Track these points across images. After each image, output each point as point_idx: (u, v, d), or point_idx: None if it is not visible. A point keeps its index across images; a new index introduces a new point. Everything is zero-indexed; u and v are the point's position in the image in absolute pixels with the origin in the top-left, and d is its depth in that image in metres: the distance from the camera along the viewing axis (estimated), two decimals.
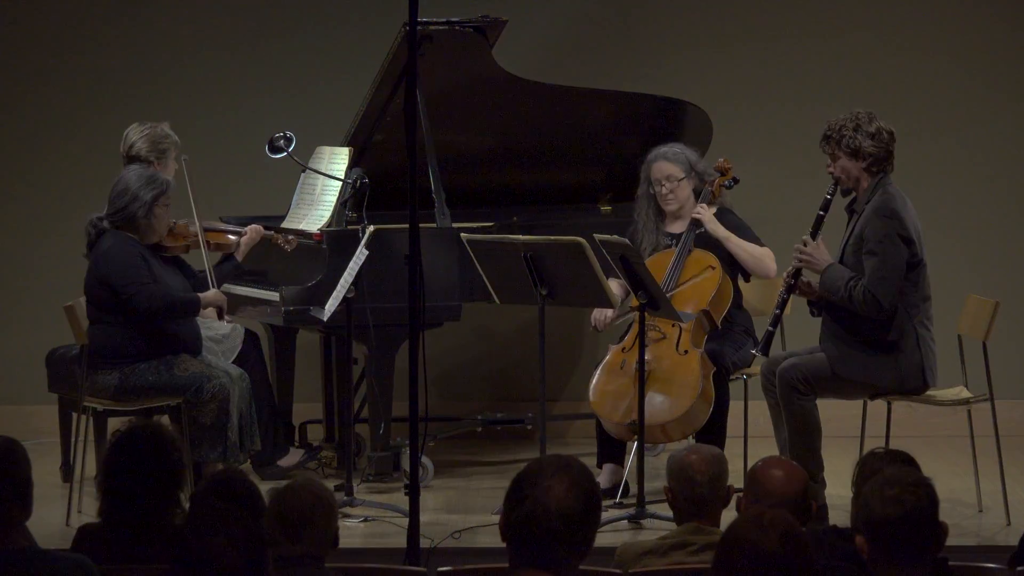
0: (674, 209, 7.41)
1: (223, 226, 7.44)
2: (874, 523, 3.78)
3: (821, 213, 6.74)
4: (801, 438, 6.69)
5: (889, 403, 6.89)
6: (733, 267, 7.32)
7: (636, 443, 6.78)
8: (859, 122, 6.65)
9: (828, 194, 6.74)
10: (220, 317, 7.20)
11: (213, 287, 7.15)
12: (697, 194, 7.40)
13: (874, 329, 6.64)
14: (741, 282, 7.39)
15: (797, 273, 6.74)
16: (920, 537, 3.80)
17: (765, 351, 6.77)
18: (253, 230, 7.35)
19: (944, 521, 3.86)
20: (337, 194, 7.47)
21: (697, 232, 7.31)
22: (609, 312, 7.32)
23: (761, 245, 7.31)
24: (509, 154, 8.12)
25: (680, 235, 7.36)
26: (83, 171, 8.59)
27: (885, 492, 3.81)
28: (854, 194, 6.75)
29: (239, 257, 7.31)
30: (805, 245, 6.71)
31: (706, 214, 7.29)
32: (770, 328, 6.75)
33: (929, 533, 3.81)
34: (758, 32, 8.79)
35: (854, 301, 6.58)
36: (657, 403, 6.93)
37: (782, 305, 6.76)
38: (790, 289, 6.75)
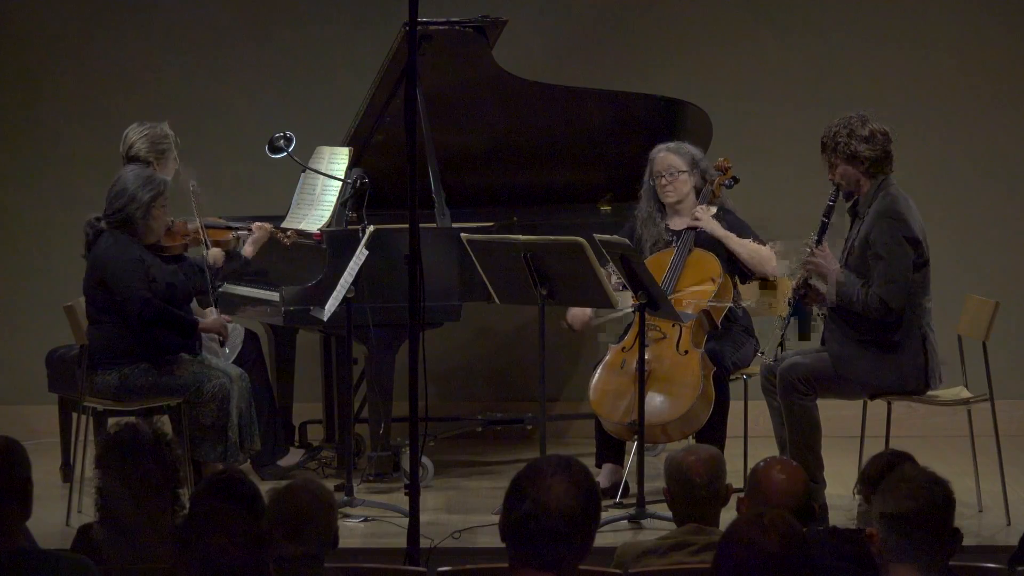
0: (672, 201, 7.39)
1: (222, 223, 7.44)
2: (887, 516, 3.79)
3: (825, 220, 6.73)
4: (801, 438, 6.69)
5: (889, 403, 6.89)
6: (732, 266, 7.32)
7: (636, 443, 6.78)
8: (852, 127, 6.65)
9: (830, 200, 6.73)
10: (222, 345, 7.21)
11: (210, 289, 7.12)
12: (698, 192, 7.40)
13: (880, 330, 6.64)
14: (739, 282, 7.39)
15: (806, 284, 6.73)
16: (931, 536, 3.79)
17: (776, 359, 6.79)
18: (261, 228, 7.34)
19: (959, 527, 3.85)
20: (337, 194, 7.47)
21: (697, 231, 7.31)
22: (588, 310, 7.34)
23: (762, 244, 7.30)
24: (509, 154, 8.12)
25: (681, 232, 7.36)
26: (83, 171, 8.59)
27: (901, 487, 3.81)
28: (856, 196, 6.75)
29: (247, 255, 7.30)
30: (811, 252, 6.70)
31: (704, 215, 7.29)
32: (781, 334, 6.76)
33: (941, 533, 3.81)
34: (758, 32, 8.79)
35: (867, 305, 6.58)
36: (657, 403, 6.93)
37: (792, 315, 6.76)
38: (799, 300, 6.74)
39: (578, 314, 7.42)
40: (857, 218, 6.75)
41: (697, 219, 7.28)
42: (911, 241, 6.62)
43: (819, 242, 6.71)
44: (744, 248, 7.27)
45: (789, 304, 6.80)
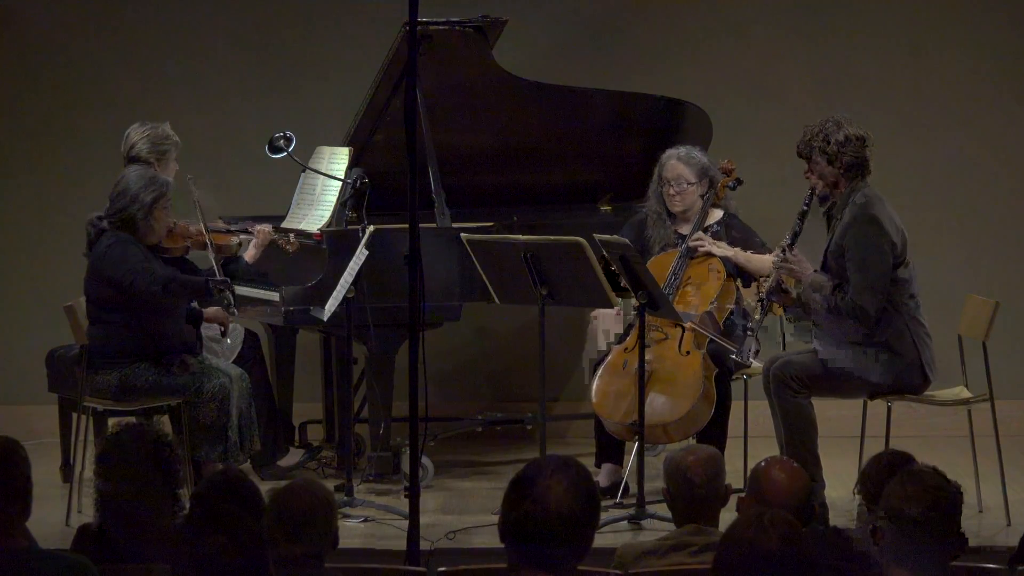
0: (679, 211, 7.42)
1: (225, 227, 7.43)
2: (894, 516, 3.79)
3: (799, 223, 6.74)
4: (796, 436, 6.68)
5: (889, 405, 6.88)
6: (736, 269, 7.31)
7: (636, 444, 6.78)
8: (827, 132, 6.67)
9: (804, 204, 6.75)
10: (224, 335, 7.20)
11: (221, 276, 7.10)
12: (703, 197, 7.42)
13: (874, 332, 6.65)
14: (741, 285, 7.39)
15: (778, 287, 6.72)
16: (937, 538, 3.79)
17: (744, 358, 6.83)
18: (263, 233, 7.32)
19: (964, 532, 3.85)
20: (337, 194, 7.47)
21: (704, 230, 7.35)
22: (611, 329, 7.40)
23: (768, 251, 7.29)
24: (509, 154, 8.11)
25: (686, 236, 7.36)
26: (83, 171, 8.59)
27: (907, 488, 3.81)
28: (831, 200, 6.76)
29: (249, 259, 7.28)
30: (784, 257, 6.70)
31: (705, 241, 7.28)
32: (750, 333, 6.80)
33: (947, 536, 3.80)
34: (758, 32, 8.79)
35: (842, 311, 6.59)
36: (659, 404, 6.93)
37: (763, 317, 6.79)
38: (770, 297, 6.74)
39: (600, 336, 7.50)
40: (833, 220, 6.76)
41: (700, 243, 7.27)
42: (887, 244, 6.62)
43: (792, 245, 6.72)
44: (751, 263, 7.26)
45: (761, 305, 6.79)
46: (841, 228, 6.67)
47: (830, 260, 6.71)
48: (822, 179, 6.70)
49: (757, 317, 6.79)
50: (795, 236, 6.73)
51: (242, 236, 7.37)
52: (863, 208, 6.62)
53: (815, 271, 6.70)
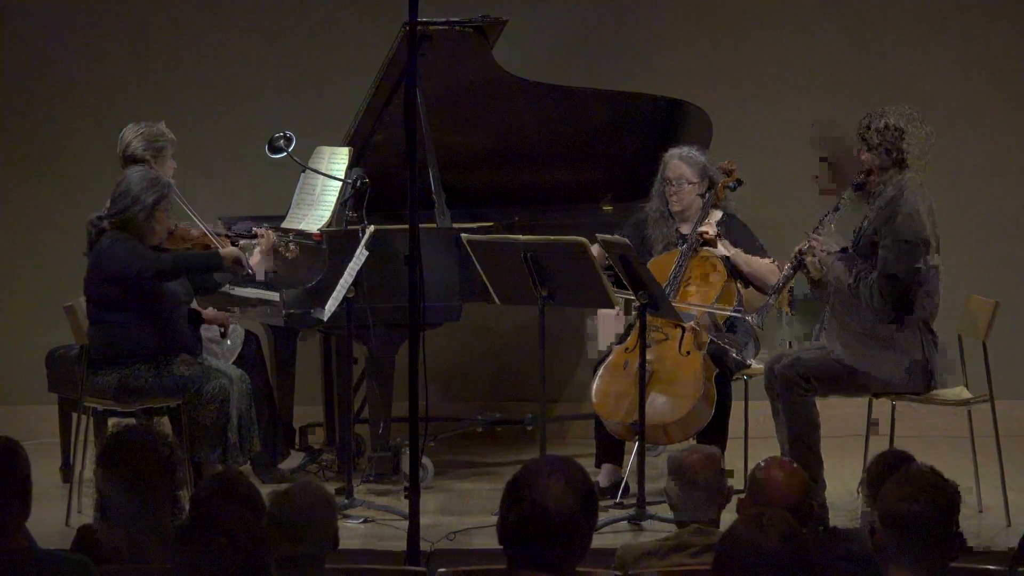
0: (677, 210, 7.42)
1: (224, 230, 7.41)
2: (889, 517, 3.79)
3: (837, 208, 6.75)
4: (799, 436, 6.67)
5: (893, 404, 6.88)
6: (736, 271, 7.31)
7: (636, 444, 6.77)
8: (871, 118, 6.69)
9: (853, 184, 6.73)
10: (224, 336, 7.18)
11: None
12: (703, 198, 7.42)
13: (886, 328, 6.64)
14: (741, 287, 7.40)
15: (801, 263, 6.72)
16: (931, 539, 3.79)
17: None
18: (267, 238, 7.26)
19: (961, 532, 3.85)
20: (337, 194, 7.47)
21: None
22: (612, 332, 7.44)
23: (765, 256, 7.29)
24: (509, 154, 8.12)
25: (687, 236, 7.36)
26: (83, 171, 8.59)
27: (902, 488, 3.82)
28: (867, 188, 6.74)
29: (254, 264, 7.21)
30: (821, 225, 6.72)
31: (709, 230, 7.29)
32: (770, 301, 6.79)
33: (942, 537, 3.80)
34: (758, 31, 8.79)
35: (859, 294, 6.59)
36: (659, 404, 6.93)
37: (786, 281, 6.78)
38: (798, 267, 6.75)
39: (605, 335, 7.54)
40: (871, 196, 6.73)
41: (706, 233, 7.28)
42: (923, 242, 6.63)
43: (829, 214, 6.73)
44: (749, 265, 7.27)
45: (793, 259, 6.77)
46: (875, 216, 6.66)
47: (861, 244, 6.70)
48: (861, 164, 6.71)
49: (780, 284, 6.75)
50: (836, 210, 6.73)
51: (242, 241, 7.33)
52: (896, 200, 6.62)
53: (845, 250, 6.68)
